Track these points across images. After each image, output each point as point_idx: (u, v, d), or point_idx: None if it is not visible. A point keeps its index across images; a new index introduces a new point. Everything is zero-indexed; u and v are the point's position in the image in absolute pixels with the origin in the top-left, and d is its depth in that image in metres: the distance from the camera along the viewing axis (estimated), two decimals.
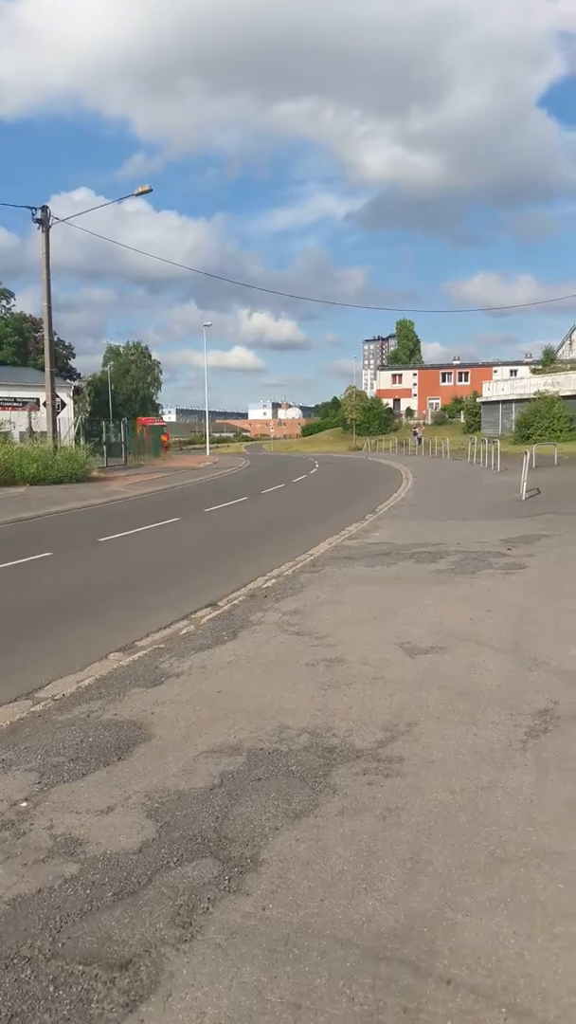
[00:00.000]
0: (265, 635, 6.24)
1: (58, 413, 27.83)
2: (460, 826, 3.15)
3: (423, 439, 52.06)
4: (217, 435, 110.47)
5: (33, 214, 25.14)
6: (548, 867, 2.83)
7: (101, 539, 12.46)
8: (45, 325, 26.69)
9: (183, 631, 6.52)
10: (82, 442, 30.22)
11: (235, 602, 7.54)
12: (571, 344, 67.52)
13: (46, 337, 26.69)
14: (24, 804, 3.50)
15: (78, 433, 32.29)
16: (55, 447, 25.66)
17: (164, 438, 67.08)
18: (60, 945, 2.51)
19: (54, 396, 26.49)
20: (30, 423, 30.06)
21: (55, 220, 25.67)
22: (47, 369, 26.34)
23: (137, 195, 27.89)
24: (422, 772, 3.65)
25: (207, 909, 2.66)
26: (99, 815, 3.37)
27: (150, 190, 27.35)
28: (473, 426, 59.52)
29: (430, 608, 7.00)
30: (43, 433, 27.29)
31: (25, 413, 30.12)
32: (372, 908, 2.62)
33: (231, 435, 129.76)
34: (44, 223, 25.18)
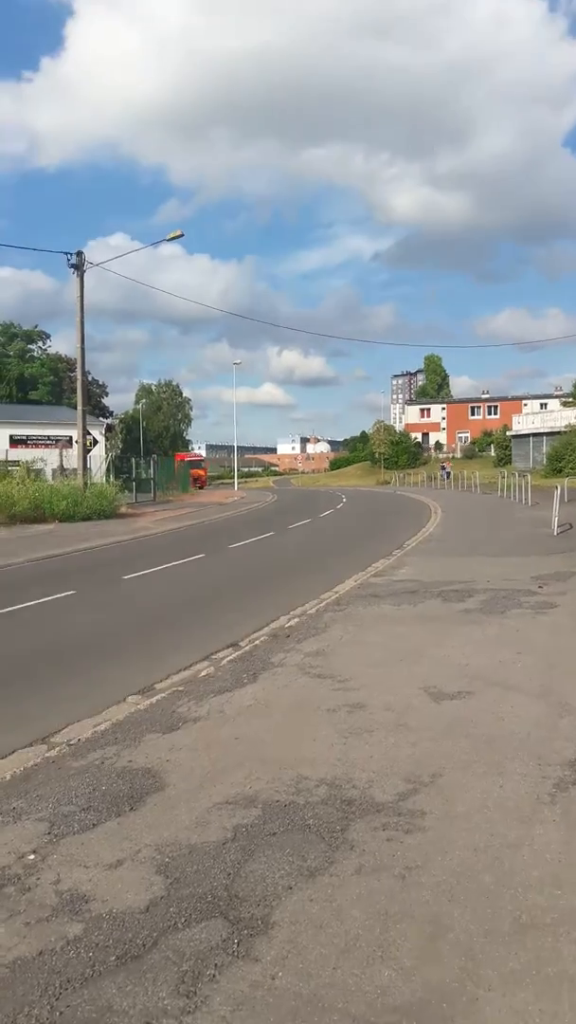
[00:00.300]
0: (286, 678, 6.11)
1: (90, 450, 28.17)
2: (484, 887, 2.99)
3: (451, 473, 51.58)
4: (246, 470, 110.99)
5: (68, 259, 25.73)
6: None
7: (125, 576, 12.44)
8: (78, 365, 27.16)
9: (203, 673, 6.41)
10: (112, 479, 30.48)
11: (257, 642, 7.42)
12: None
13: (79, 377, 27.15)
14: (32, 857, 3.39)
15: (108, 470, 32.60)
16: (85, 484, 25.90)
17: (203, 472, 66.89)
18: (58, 1014, 2.39)
19: (85, 434, 26.83)
20: (61, 461, 30.45)
21: (89, 265, 26.24)
22: (79, 408, 26.72)
23: (169, 240, 28.47)
24: (445, 827, 3.49)
25: (213, 976, 2.52)
26: (107, 870, 3.25)
27: (182, 235, 27.92)
28: (503, 459, 59.17)
29: (457, 650, 6.83)
30: (74, 470, 27.58)
31: (57, 451, 30.49)
32: (387, 979, 2.47)
33: (259, 470, 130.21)
34: (79, 268, 25.72)
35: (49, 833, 3.62)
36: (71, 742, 4.89)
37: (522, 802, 3.72)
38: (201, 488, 64.27)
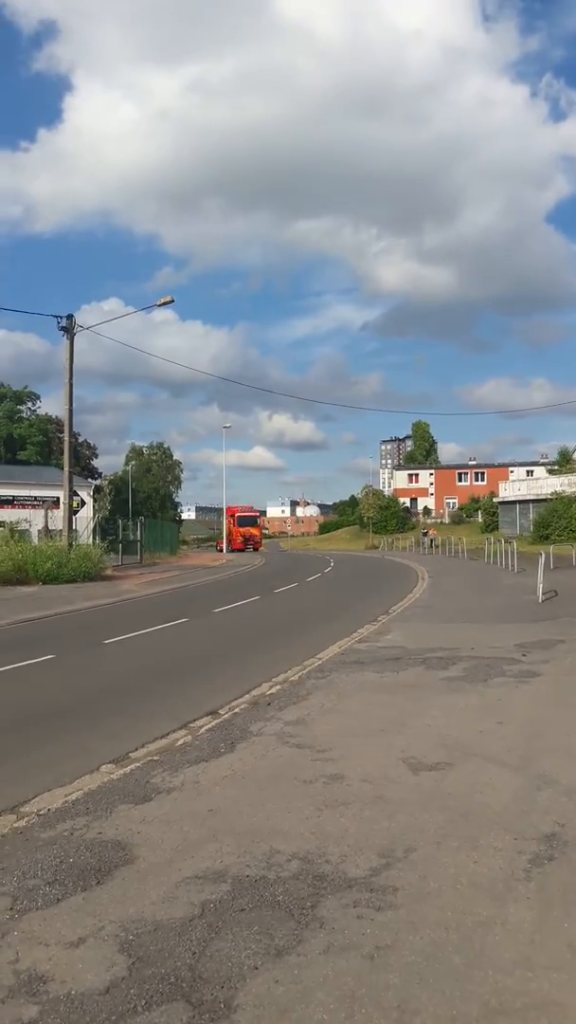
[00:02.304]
0: (264, 747, 6.03)
1: (77, 511, 28.20)
2: (453, 969, 2.91)
3: (434, 540, 51.11)
4: None
5: (59, 322, 26.23)
6: (547, 1022, 2.58)
7: (106, 640, 12.32)
8: (66, 426, 27.42)
9: (179, 742, 6.32)
10: (98, 540, 30.43)
11: (236, 710, 7.33)
12: None
13: (66, 437, 27.37)
14: None
15: (95, 531, 32.57)
16: (70, 545, 25.83)
17: (256, 532, 59.73)
18: None
19: (72, 494, 26.91)
20: (47, 521, 30.41)
21: (79, 328, 26.75)
22: (66, 468, 26.87)
23: (160, 306, 29.15)
24: (416, 905, 3.42)
25: None
26: (69, 948, 3.16)
27: (172, 301, 28.56)
28: (491, 525, 59.57)
29: (439, 719, 6.77)
30: (60, 531, 27.56)
31: (43, 511, 30.49)
32: None
33: None
34: (69, 330, 26.22)
35: (11, 908, 3.52)
36: (41, 812, 4.78)
37: (496, 879, 3.66)
38: (256, 550, 56.89)
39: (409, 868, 3.80)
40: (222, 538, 60.45)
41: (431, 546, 49.70)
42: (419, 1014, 2.65)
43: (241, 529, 59.31)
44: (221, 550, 56.95)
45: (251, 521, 61.04)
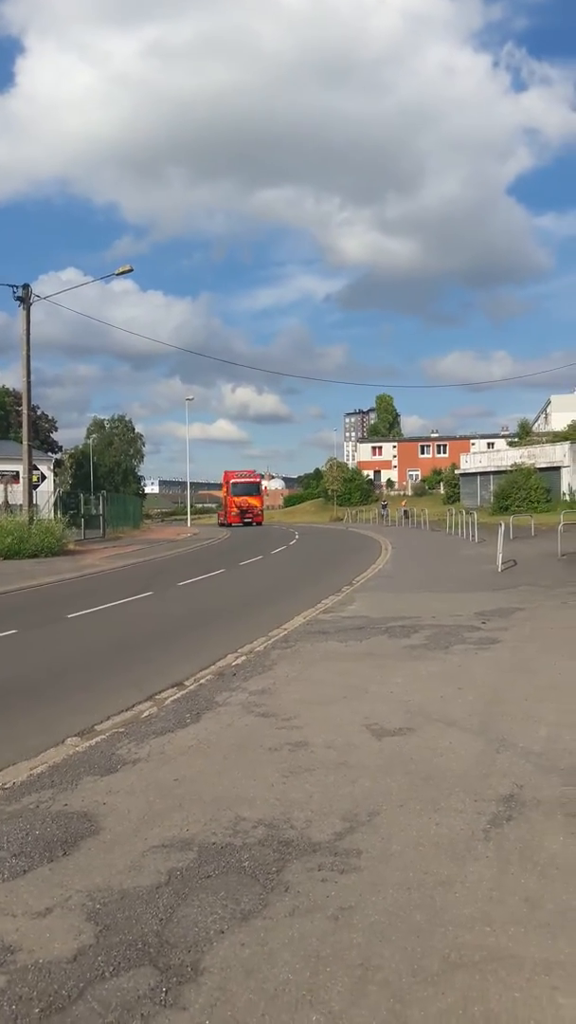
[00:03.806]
0: (229, 717, 6.07)
1: (38, 486, 27.80)
2: (415, 926, 2.99)
3: (408, 512, 51.29)
4: (200, 506, 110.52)
5: (14, 292, 25.62)
6: (504, 973, 2.67)
7: (70, 615, 12.24)
8: (24, 399, 26.91)
9: (145, 713, 6.33)
10: (59, 515, 30.07)
11: (202, 681, 7.36)
12: (546, 417, 68.99)
13: (24, 411, 26.89)
14: None
15: (56, 505, 32.18)
16: (31, 520, 25.50)
17: (257, 503, 50.27)
18: None
19: (31, 469, 26.50)
20: (6, 496, 29.93)
21: (36, 298, 26.20)
22: (24, 442, 26.42)
23: (118, 275, 28.64)
24: (379, 867, 3.49)
25: None
26: (36, 918, 3.17)
27: (131, 270, 28.12)
28: (452, 497, 60.21)
29: (401, 686, 6.88)
30: (20, 506, 27.16)
31: (1, 486, 29.99)
32: None
33: (214, 506, 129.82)
34: (25, 301, 25.64)
35: None
36: (5, 786, 4.77)
37: (456, 840, 3.75)
38: (259, 525, 48.36)
39: (372, 831, 3.87)
40: (224, 510, 51.45)
41: (406, 518, 49.65)
42: (381, 970, 2.72)
43: (237, 499, 49.51)
44: (225, 524, 49.33)
45: (251, 489, 50.30)
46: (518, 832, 3.80)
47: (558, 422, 60.50)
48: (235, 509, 49.52)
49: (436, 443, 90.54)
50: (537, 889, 3.24)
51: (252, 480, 52.68)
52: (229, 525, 48.22)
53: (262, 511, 51.90)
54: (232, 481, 50.24)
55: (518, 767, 4.74)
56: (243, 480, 50.89)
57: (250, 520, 48.60)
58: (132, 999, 2.61)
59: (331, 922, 3.05)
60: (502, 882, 3.31)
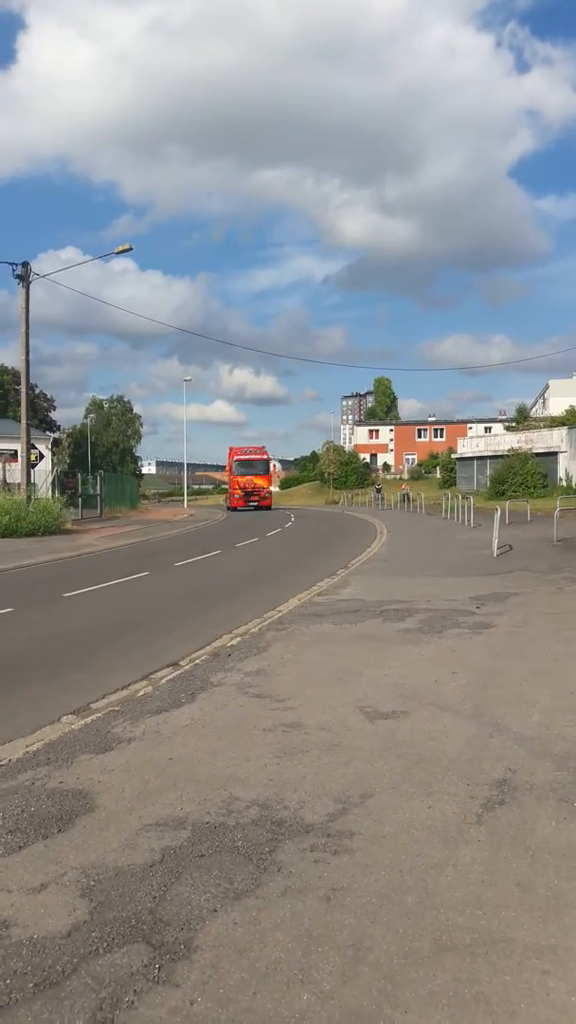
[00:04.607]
0: (224, 697, 6.10)
1: (35, 465, 27.76)
2: (406, 908, 3.02)
3: (408, 495, 50.99)
4: (197, 487, 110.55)
5: (14, 270, 25.45)
6: (495, 956, 2.70)
7: (66, 594, 12.26)
8: (23, 378, 26.78)
9: (140, 693, 6.35)
10: (57, 494, 30.04)
11: (197, 662, 7.38)
12: (544, 402, 68.83)
13: (23, 390, 26.77)
14: None
15: (53, 485, 32.14)
16: (29, 498, 25.47)
17: (265, 482, 45.25)
18: None
19: (30, 447, 26.43)
20: (4, 475, 29.89)
21: (35, 276, 26.01)
22: (23, 421, 26.34)
23: (118, 253, 28.39)
24: (372, 848, 3.52)
25: (132, 1003, 2.50)
26: (31, 894, 3.19)
27: (130, 248, 27.87)
28: (448, 481, 60.09)
29: (395, 669, 6.90)
30: (18, 485, 27.12)
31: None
32: (306, 1003, 2.47)
33: (210, 487, 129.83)
34: (24, 279, 25.47)
35: None
36: (1, 762, 4.79)
37: (449, 823, 3.77)
38: (268, 509, 43.39)
39: (365, 813, 3.90)
40: (229, 492, 46.14)
41: (403, 501, 49.48)
42: (372, 951, 2.75)
43: (241, 479, 43.97)
44: (231, 508, 44.82)
45: (258, 468, 44.54)
46: (510, 816, 3.83)
47: (556, 407, 60.32)
48: (239, 491, 44.39)
49: (433, 427, 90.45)
50: (529, 873, 3.27)
51: (259, 457, 46.94)
52: (234, 509, 44.64)
53: (270, 493, 46.70)
54: (236, 458, 44.76)
55: (511, 751, 4.77)
56: (248, 457, 45.18)
57: (256, 503, 43.67)
58: (125, 975, 2.63)
59: (323, 903, 3.07)
60: (494, 866, 3.34)
